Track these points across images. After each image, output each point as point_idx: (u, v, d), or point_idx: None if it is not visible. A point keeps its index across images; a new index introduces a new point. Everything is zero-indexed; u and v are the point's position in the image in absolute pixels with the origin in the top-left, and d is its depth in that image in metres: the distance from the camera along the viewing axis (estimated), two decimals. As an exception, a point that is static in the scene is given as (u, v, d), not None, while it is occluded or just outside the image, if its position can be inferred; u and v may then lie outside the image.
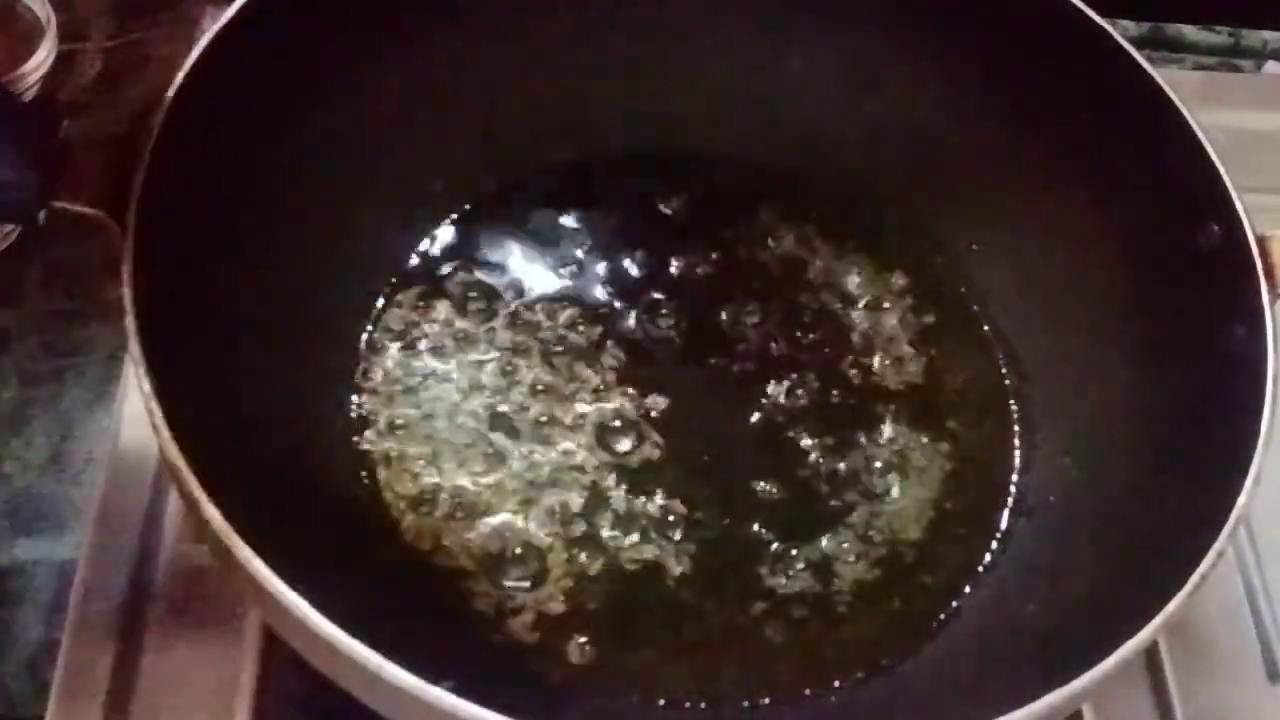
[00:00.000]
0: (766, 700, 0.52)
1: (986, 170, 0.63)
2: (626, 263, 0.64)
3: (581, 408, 0.59)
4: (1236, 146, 0.54)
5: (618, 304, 0.62)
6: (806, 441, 0.59)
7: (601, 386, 0.59)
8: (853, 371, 0.62)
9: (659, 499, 0.57)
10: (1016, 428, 0.61)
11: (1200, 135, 0.52)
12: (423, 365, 0.59)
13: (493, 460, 0.57)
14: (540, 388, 0.59)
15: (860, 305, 0.64)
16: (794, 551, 0.56)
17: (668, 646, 0.53)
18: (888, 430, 0.60)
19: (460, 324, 0.61)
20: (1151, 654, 0.58)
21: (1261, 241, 0.50)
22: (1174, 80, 0.54)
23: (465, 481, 0.56)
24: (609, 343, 0.61)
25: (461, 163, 0.63)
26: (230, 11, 0.49)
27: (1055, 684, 0.40)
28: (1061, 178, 0.61)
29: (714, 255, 0.65)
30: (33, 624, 0.57)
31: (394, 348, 0.59)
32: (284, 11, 0.51)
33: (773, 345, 0.62)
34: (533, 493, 0.56)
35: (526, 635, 0.53)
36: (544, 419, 0.58)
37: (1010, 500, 0.59)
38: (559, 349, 0.60)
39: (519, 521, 0.55)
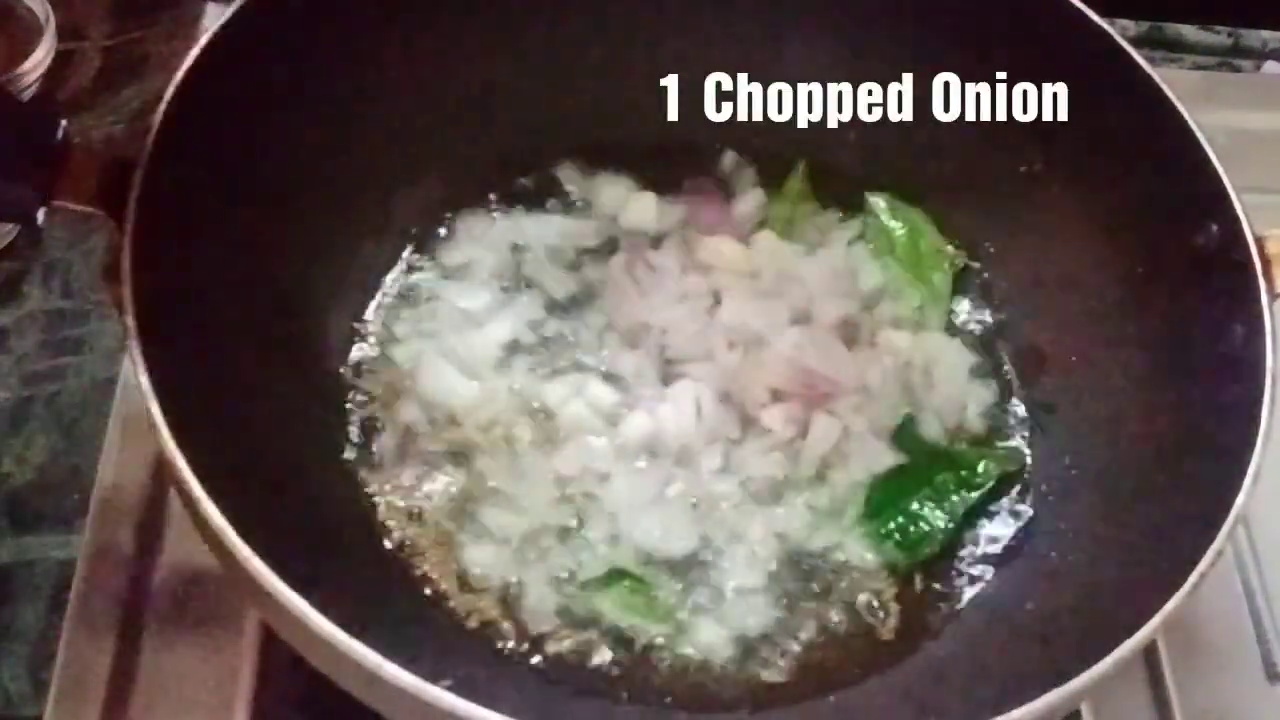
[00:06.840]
0: (767, 700, 0.52)
1: (984, 171, 0.63)
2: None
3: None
4: (1236, 146, 0.55)
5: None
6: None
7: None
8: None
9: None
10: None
11: (1200, 135, 0.52)
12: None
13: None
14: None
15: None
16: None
17: (664, 649, 0.53)
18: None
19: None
20: (1150, 653, 0.58)
21: (1260, 241, 0.50)
22: (1174, 80, 0.54)
23: (463, 482, 0.56)
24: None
25: (460, 162, 0.63)
26: (230, 11, 0.49)
27: (1054, 683, 0.40)
28: (1061, 178, 0.61)
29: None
30: (33, 624, 0.57)
31: (391, 348, 0.59)
32: (283, 12, 0.51)
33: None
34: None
35: (521, 637, 0.53)
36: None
37: (1010, 500, 0.59)
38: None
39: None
